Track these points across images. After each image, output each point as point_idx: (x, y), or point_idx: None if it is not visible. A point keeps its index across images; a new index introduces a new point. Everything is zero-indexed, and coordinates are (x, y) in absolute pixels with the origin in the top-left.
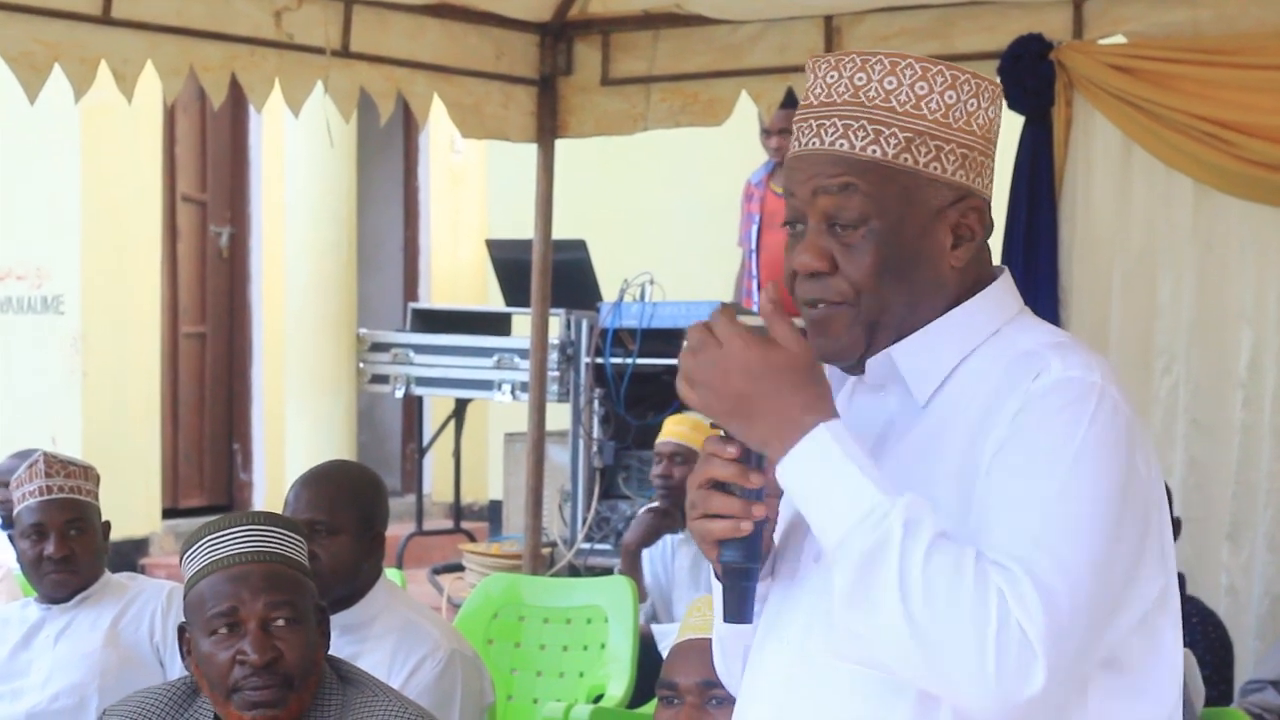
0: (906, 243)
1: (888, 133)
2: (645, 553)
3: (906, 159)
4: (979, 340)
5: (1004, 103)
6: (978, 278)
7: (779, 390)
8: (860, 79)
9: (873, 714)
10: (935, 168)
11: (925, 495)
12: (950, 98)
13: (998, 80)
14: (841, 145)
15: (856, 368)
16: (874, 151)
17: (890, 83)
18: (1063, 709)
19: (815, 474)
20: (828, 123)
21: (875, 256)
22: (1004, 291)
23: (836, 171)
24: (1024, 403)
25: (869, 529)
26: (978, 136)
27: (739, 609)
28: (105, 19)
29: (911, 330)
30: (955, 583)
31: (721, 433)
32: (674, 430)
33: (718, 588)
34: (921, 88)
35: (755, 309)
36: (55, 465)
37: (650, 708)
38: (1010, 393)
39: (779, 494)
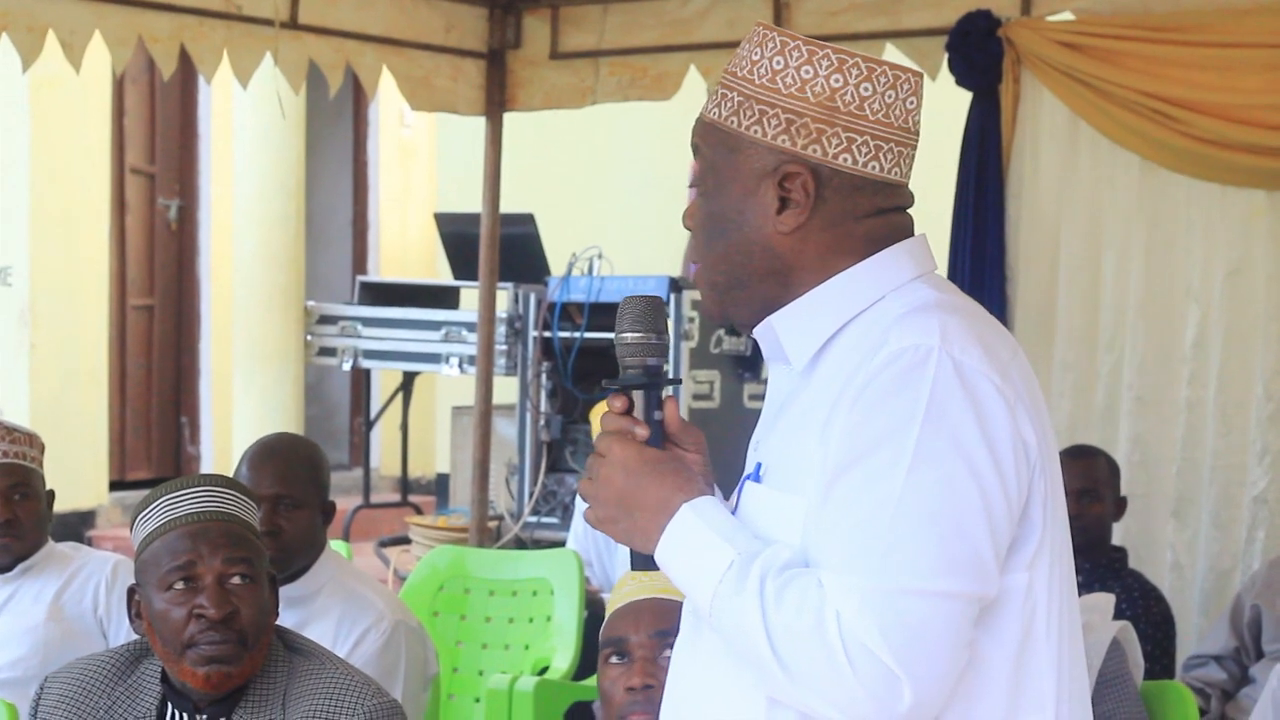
0: (730, 203)
1: (730, 96)
2: (582, 526)
3: (733, 121)
4: (861, 307)
5: (891, 78)
6: (878, 242)
7: (650, 482)
8: (742, 50)
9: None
10: (756, 131)
11: (797, 469)
12: (779, 63)
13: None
14: (705, 109)
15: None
16: (714, 114)
17: (755, 54)
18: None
19: (683, 549)
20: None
21: (703, 213)
22: (900, 255)
23: (694, 134)
24: (861, 385)
25: (730, 592)
26: (811, 103)
27: (645, 557)
28: None
29: (789, 299)
30: (803, 622)
31: (616, 387)
32: None
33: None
34: (755, 53)
35: None
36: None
37: (595, 680)
38: (857, 370)
39: (700, 456)
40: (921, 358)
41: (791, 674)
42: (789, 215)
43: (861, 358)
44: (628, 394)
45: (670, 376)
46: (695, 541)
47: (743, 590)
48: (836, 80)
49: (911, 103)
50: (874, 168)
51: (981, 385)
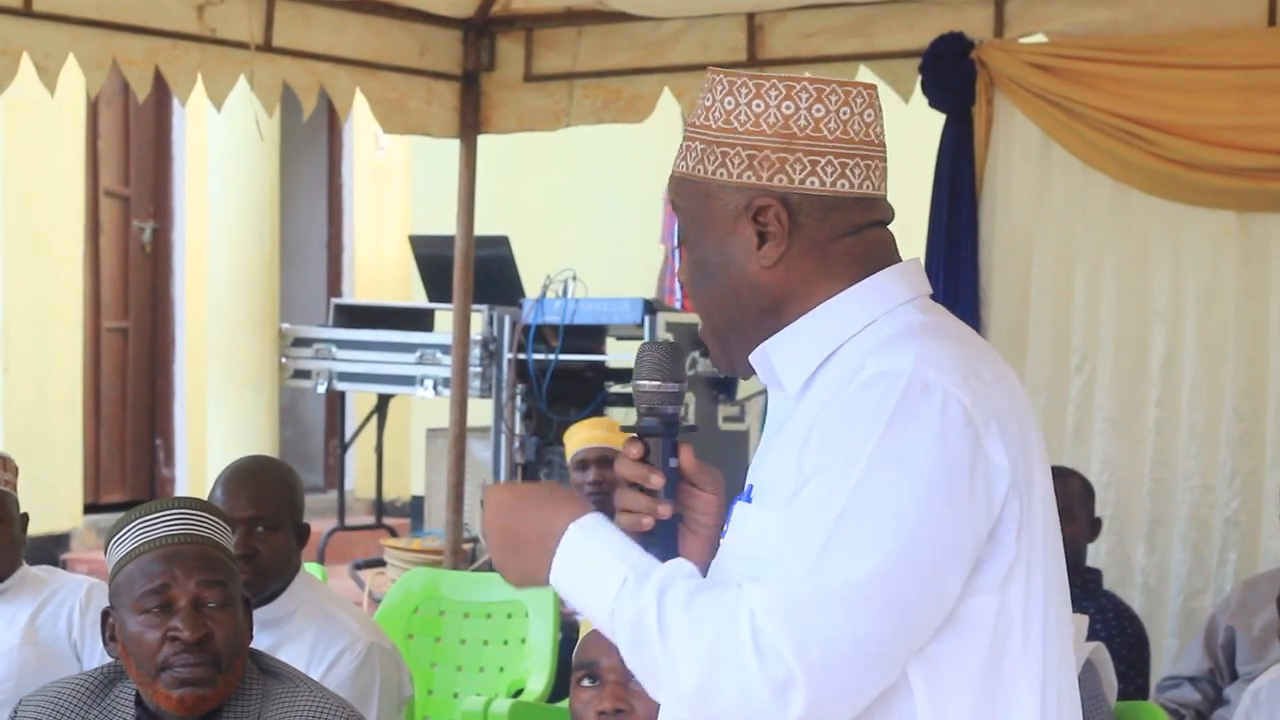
0: (712, 248)
1: (694, 146)
2: None
3: (700, 169)
4: (852, 331)
5: (842, 94)
6: (866, 268)
7: (529, 514)
8: (698, 101)
9: None
10: (722, 173)
11: (780, 489)
12: (730, 103)
13: (800, 76)
14: (674, 165)
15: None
16: (681, 167)
17: (708, 99)
18: None
19: (576, 569)
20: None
21: (690, 264)
22: (890, 279)
23: (669, 191)
24: (835, 407)
25: (627, 601)
26: (768, 135)
27: None
28: (27, 11)
29: (780, 329)
30: (713, 620)
31: (633, 434)
32: (591, 435)
33: None
34: (708, 99)
35: (678, 305)
36: None
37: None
38: (838, 394)
39: (716, 497)
40: (892, 381)
41: (689, 677)
42: (769, 248)
43: (844, 383)
44: (644, 441)
45: (687, 424)
46: (587, 559)
47: (639, 596)
48: (788, 107)
49: (869, 115)
50: (843, 185)
51: (950, 407)
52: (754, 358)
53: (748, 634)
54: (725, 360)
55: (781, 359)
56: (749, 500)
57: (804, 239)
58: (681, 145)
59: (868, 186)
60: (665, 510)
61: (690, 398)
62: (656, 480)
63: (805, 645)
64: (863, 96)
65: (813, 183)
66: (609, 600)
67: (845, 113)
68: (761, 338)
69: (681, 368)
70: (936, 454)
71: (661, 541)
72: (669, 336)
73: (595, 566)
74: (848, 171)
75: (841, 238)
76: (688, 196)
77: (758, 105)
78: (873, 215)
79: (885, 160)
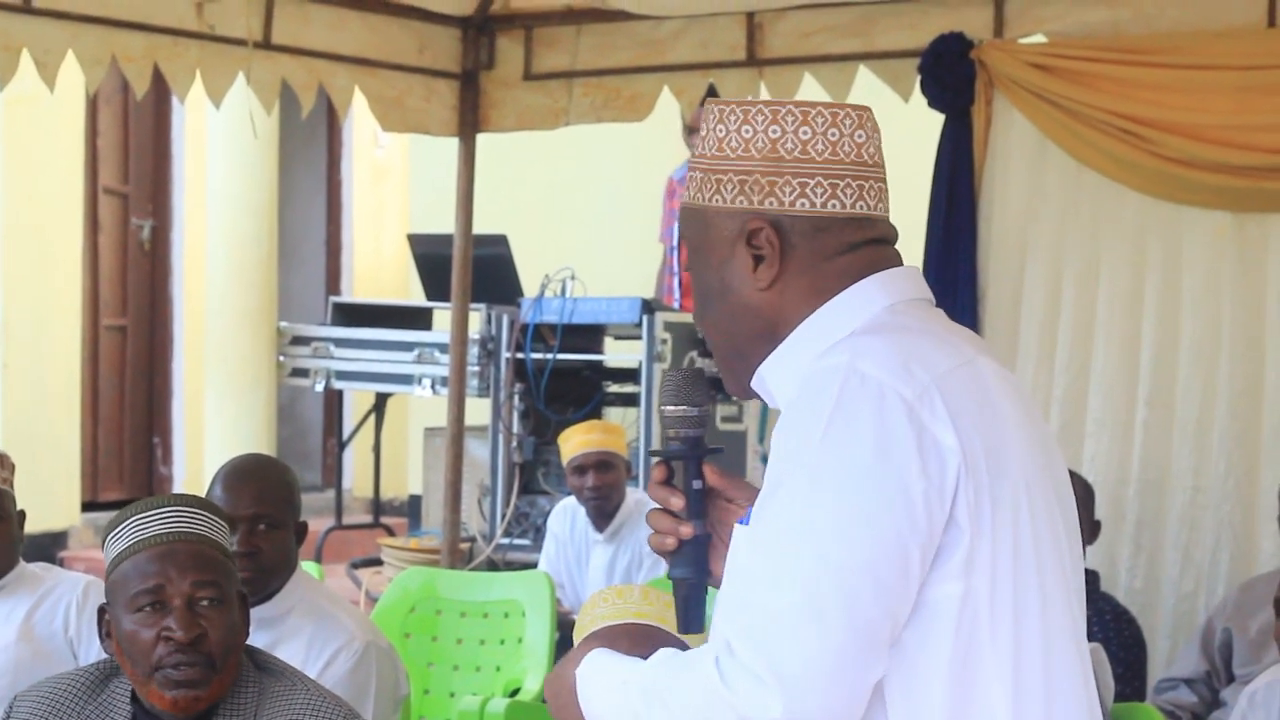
0: (713, 274)
1: (695, 177)
2: (554, 548)
3: (699, 198)
4: (831, 342)
5: (829, 116)
6: (854, 278)
7: (559, 678)
8: (699, 133)
9: None
10: (717, 200)
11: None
12: (721, 131)
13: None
14: (684, 197)
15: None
16: (685, 198)
17: (704, 130)
18: None
19: (591, 700)
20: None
21: (697, 291)
22: (869, 288)
23: (679, 223)
24: (784, 416)
25: (621, 703)
26: (757, 160)
27: (685, 618)
28: (27, 8)
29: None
30: (687, 674)
31: (659, 458)
32: (588, 440)
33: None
34: (704, 130)
35: (676, 305)
36: None
37: None
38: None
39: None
40: (827, 378)
41: None
42: (762, 270)
43: None
44: (668, 464)
45: (710, 447)
46: (592, 691)
47: (627, 707)
48: (774, 131)
49: (860, 136)
50: (834, 206)
51: (887, 396)
52: (755, 384)
53: (713, 667)
54: (734, 385)
55: (774, 379)
56: (746, 523)
57: (797, 260)
58: (688, 176)
59: (861, 206)
60: (687, 530)
61: None
62: (676, 502)
63: (771, 653)
64: (852, 118)
65: (803, 204)
66: (614, 712)
67: (833, 134)
68: (760, 361)
69: (703, 392)
70: (879, 445)
71: (690, 560)
72: (667, 336)
73: (601, 690)
74: (839, 192)
75: (835, 257)
76: (692, 225)
77: (746, 131)
78: (869, 234)
79: (882, 181)
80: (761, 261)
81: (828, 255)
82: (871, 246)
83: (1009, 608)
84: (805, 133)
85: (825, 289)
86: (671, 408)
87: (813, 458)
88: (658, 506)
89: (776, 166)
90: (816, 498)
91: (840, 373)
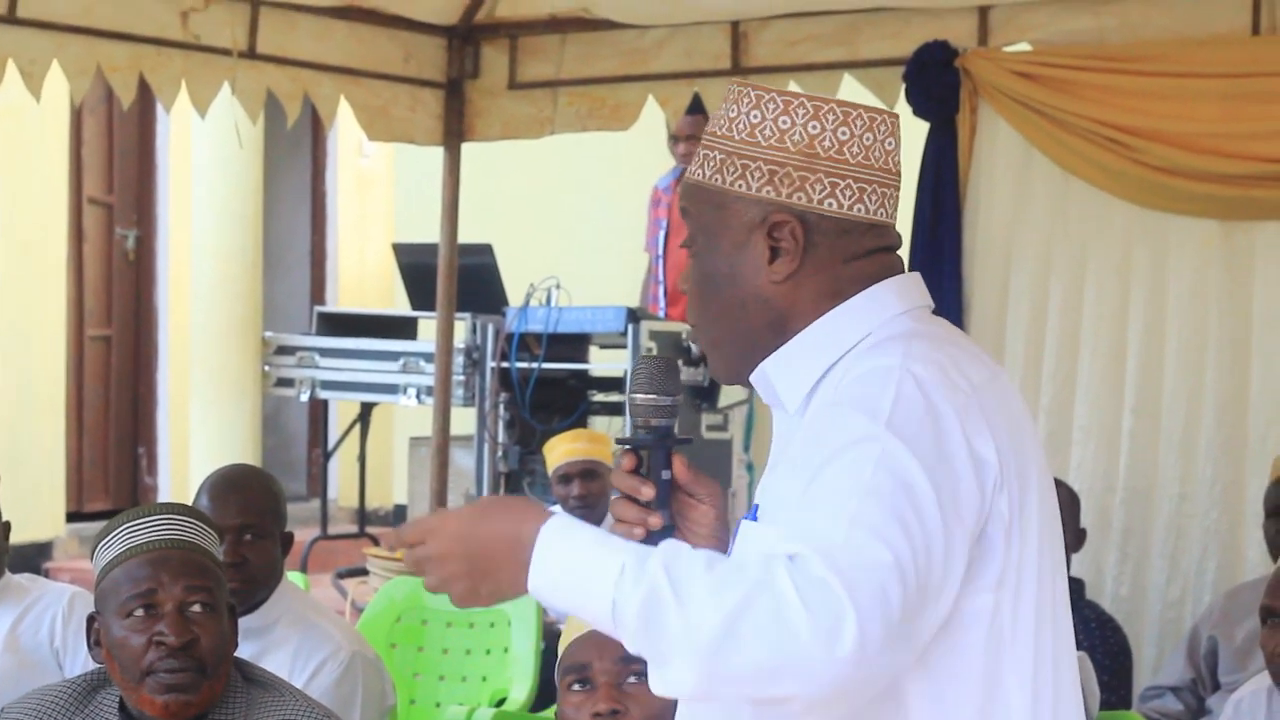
0: (722, 259)
1: (712, 155)
2: None
3: (718, 179)
4: (848, 345)
5: (868, 120)
6: (867, 282)
7: (494, 532)
8: (719, 110)
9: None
10: (740, 185)
11: (783, 505)
12: (755, 117)
13: (829, 98)
14: (690, 172)
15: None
16: (698, 175)
17: (732, 111)
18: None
19: (561, 570)
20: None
21: (697, 274)
22: (884, 292)
23: (681, 197)
24: (826, 404)
25: (630, 585)
26: (791, 153)
27: None
28: (11, 18)
29: (781, 344)
30: (741, 581)
31: (626, 446)
32: (573, 449)
33: None
34: (732, 110)
35: (661, 314)
36: None
37: (553, 712)
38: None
39: (713, 509)
40: (884, 375)
41: (708, 632)
42: (781, 264)
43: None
44: (637, 453)
45: (680, 436)
46: (570, 558)
47: (644, 578)
48: (814, 127)
49: (890, 144)
50: (859, 210)
51: (938, 401)
52: (755, 378)
53: (786, 579)
54: (724, 370)
55: (781, 379)
56: (754, 519)
57: (816, 258)
58: (699, 153)
59: (881, 214)
60: (655, 521)
61: None
62: (647, 491)
63: (851, 579)
64: (885, 124)
65: (831, 204)
66: (607, 590)
67: (869, 138)
68: (763, 350)
69: (675, 382)
70: (934, 437)
71: None
72: (652, 345)
73: (581, 563)
74: (865, 196)
75: (852, 261)
76: (701, 204)
77: (784, 122)
78: (883, 241)
79: (899, 190)
80: (780, 254)
81: (846, 258)
82: (884, 253)
83: (1031, 620)
84: (844, 133)
85: (840, 291)
86: (643, 396)
87: (875, 446)
88: (620, 495)
89: (810, 162)
90: (885, 472)
91: (895, 373)
